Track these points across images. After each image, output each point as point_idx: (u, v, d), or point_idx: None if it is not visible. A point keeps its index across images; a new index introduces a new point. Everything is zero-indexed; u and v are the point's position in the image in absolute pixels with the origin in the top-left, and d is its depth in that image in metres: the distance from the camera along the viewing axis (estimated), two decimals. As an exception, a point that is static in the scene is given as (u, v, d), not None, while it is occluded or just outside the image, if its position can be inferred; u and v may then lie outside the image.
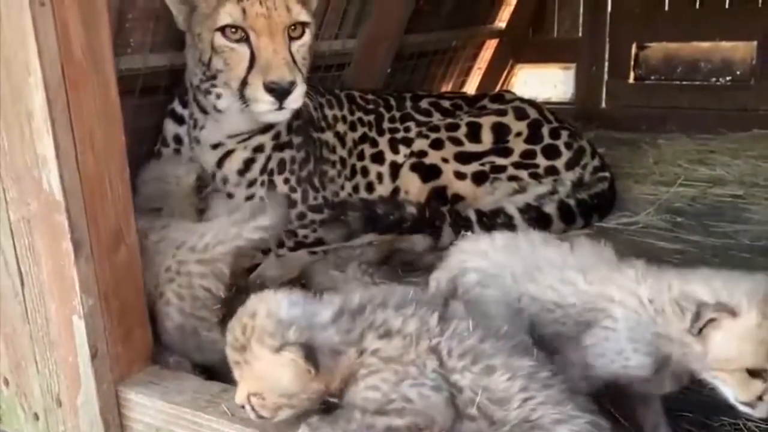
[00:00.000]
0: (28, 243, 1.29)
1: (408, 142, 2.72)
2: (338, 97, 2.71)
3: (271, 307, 1.13)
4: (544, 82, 4.92)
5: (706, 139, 4.01)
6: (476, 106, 2.95)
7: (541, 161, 2.69)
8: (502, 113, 2.79)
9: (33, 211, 1.27)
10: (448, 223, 2.40)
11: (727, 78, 4.37)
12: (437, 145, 2.67)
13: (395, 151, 2.70)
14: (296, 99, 1.99)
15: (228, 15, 1.98)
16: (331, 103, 2.66)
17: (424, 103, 2.87)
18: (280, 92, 1.96)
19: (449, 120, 2.79)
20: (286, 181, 2.32)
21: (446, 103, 2.90)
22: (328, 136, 2.59)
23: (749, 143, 3.86)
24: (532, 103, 2.93)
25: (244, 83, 2.00)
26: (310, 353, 1.08)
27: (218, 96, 2.10)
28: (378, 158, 2.68)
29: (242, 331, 1.11)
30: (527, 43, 4.86)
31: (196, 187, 2.03)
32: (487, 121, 2.75)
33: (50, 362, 1.36)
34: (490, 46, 4.73)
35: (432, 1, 3.64)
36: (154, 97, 2.35)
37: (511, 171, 2.67)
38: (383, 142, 2.71)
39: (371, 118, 2.74)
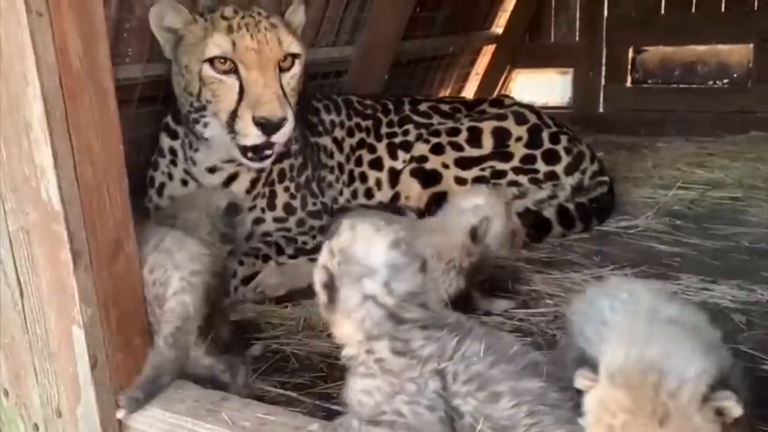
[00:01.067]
0: (27, 253, 1.29)
1: (407, 146, 2.72)
2: (335, 102, 2.72)
3: None
4: (541, 87, 4.94)
5: (705, 142, 4.02)
6: (475, 110, 2.95)
7: (541, 166, 2.70)
8: (503, 118, 2.79)
9: (32, 221, 1.26)
10: (447, 228, 2.39)
11: (724, 80, 4.39)
12: (438, 150, 2.67)
13: (394, 157, 2.70)
14: (285, 134, 1.97)
15: (217, 46, 1.95)
16: (329, 108, 2.66)
17: (422, 107, 2.87)
18: (269, 127, 1.93)
19: (450, 124, 2.79)
20: (286, 189, 2.31)
21: (445, 107, 2.91)
22: (326, 141, 2.59)
23: (747, 145, 3.87)
24: (531, 107, 2.93)
25: (233, 116, 1.97)
26: None
27: (206, 125, 2.06)
28: (376, 164, 2.68)
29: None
30: (524, 48, 4.88)
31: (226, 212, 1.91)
32: (488, 126, 2.75)
33: (50, 373, 1.35)
34: (487, 52, 4.74)
35: (429, 7, 3.66)
36: (153, 106, 2.36)
37: (511, 176, 2.67)
38: (381, 148, 2.71)
39: (369, 123, 2.74)
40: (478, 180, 2.65)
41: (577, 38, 4.75)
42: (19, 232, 1.28)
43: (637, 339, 0.93)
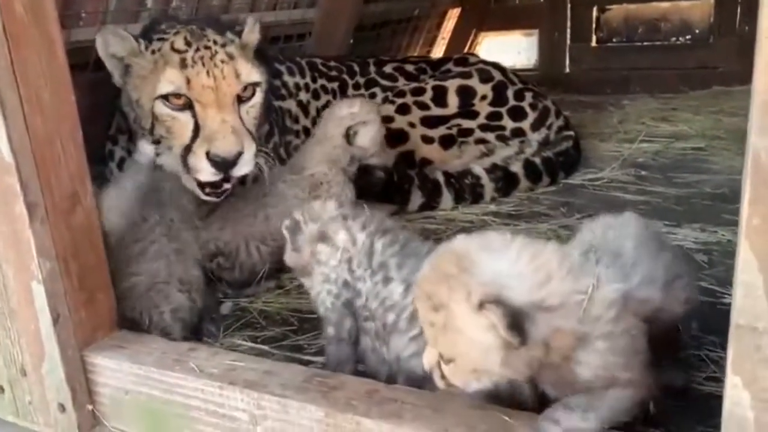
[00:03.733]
0: (-20, 208, 1.26)
1: None
2: (299, 65, 2.68)
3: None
4: (507, 50, 4.94)
5: (669, 98, 4.06)
6: (441, 69, 2.94)
7: (508, 123, 2.70)
8: (467, 76, 2.79)
9: (-17, 174, 1.23)
10: (416, 185, 2.40)
11: (687, 37, 4.43)
12: (403, 110, 2.66)
13: None
14: (243, 166, 1.81)
15: (170, 83, 1.79)
16: (292, 71, 2.62)
17: (388, 68, 2.85)
18: (224, 165, 1.78)
19: (415, 84, 2.77)
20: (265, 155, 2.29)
21: (410, 68, 2.89)
22: (291, 105, 2.56)
23: (710, 99, 3.92)
24: (495, 65, 2.93)
25: (187, 150, 1.81)
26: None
27: (158, 155, 1.92)
28: None
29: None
30: (489, 11, 4.87)
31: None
32: (452, 85, 2.75)
33: (12, 331, 1.33)
34: (453, 15, 4.72)
35: (391, -32, 3.62)
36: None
37: (478, 134, 2.68)
38: None
39: (335, 85, 2.72)
40: (445, 138, 2.65)
41: (541, -1, 4.75)
42: (-30, 186, 1.25)
43: (485, 243, 0.97)
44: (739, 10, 4.18)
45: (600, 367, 0.96)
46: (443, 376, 0.99)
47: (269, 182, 1.94)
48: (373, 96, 2.76)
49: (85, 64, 2.15)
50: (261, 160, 1.89)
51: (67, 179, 1.30)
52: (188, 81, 1.79)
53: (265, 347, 1.58)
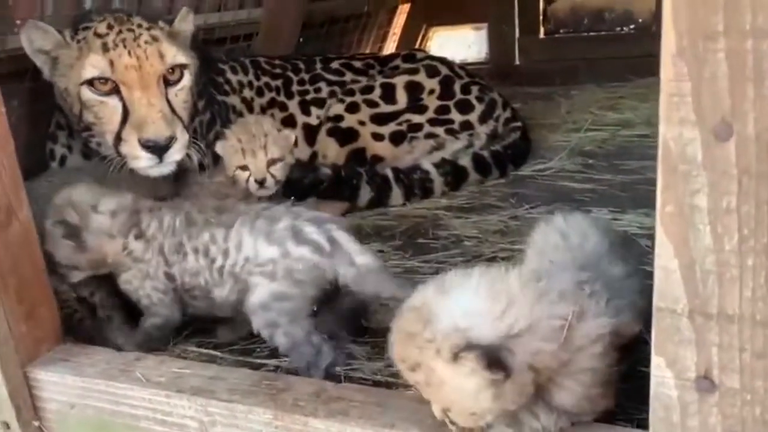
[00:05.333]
0: None
1: (320, 103, 2.71)
2: (242, 63, 2.67)
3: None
4: (458, 44, 4.98)
5: (616, 87, 4.13)
6: (389, 66, 2.95)
7: (456, 116, 2.73)
8: (414, 72, 2.81)
9: None
10: (365, 181, 2.41)
11: (631, 26, 4.53)
12: (353, 108, 2.67)
13: (307, 113, 2.68)
14: (178, 151, 1.83)
15: (93, 67, 1.80)
16: (235, 69, 2.62)
17: (335, 65, 2.85)
18: (157, 149, 1.79)
19: (364, 83, 2.78)
20: (198, 148, 2.27)
21: (358, 64, 2.90)
22: (234, 101, 2.55)
23: (655, 87, 3.86)
24: (442, 60, 2.96)
25: (118, 138, 1.82)
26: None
27: (99, 144, 1.94)
28: (289, 122, 2.65)
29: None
30: (438, 5, 4.89)
31: None
32: (400, 81, 2.76)
33: (-50, 350, 1.30)
34: (403, 11, 4.74)
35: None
36: (47, 78, 2.24)
37: (427, 128, 2.69)
38: (293, 106, 2.69)
39: (279, 82, 2.71)
40: (395, 135, 2.66)
41: (489, -7, 4.79)
42: None
43: (442, 287, 0.97)
44: (679, -1, 4.28)
45: (583, 398, 0.97)
46: (454, 422, 0.98)
47: (183, 182, 1.95)
48: (318, 91, 2.77)
49: (24, 71, 2.10)
50: (192, 150, 1.91)
51: (0, 192, 1.27)
52: (111, 63, 1.80)
53: (216, 353, 1.57)
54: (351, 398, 1.14)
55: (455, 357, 0.88)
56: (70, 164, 2.12)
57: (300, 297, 1.38)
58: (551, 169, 2.74)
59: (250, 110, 2.59)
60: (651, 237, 1.95)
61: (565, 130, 3.32)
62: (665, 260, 0.81)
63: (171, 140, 1.80)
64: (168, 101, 1.86)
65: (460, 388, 0.90)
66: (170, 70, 1.88)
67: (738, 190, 0.76)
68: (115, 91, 1.82)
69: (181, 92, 1.92)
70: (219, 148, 1.96)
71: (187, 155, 1.89)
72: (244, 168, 1.94)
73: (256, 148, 1.92)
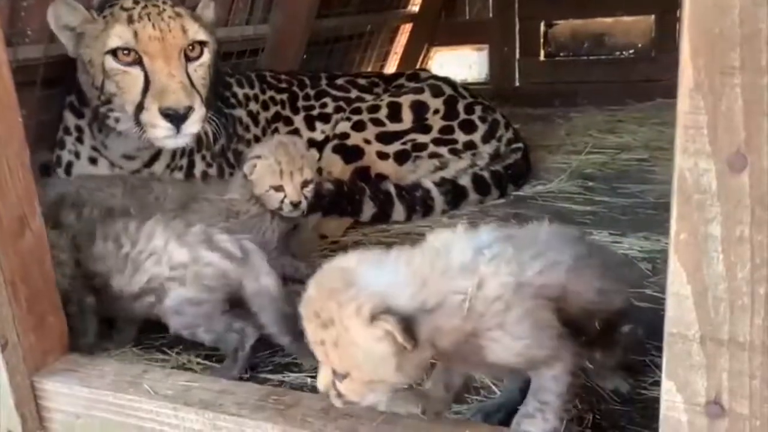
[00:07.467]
0: (-76, 233, 1.23)
1: (325, 118, 2.73)
2: (248, 77, 2.71)
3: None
4: (459, 64, 5.02)
5: (614, 110, 4.20)
6: (393, 84, 2.99)
7: (459, 136, 2.76)
8: (420, 91, 2.84)
9: (-74, 198, 1.21)
10: (368, 195, 2.42)
11: (630, 51, 4.59)
12: (359, 126, 2.70)
13: (311, 128, 2.71)
14: (194, 123, 1.90)
15: (118, 37, 1.88)
16: (241, 83, 2.65)
17: (340, 81, 2.89)
18: (176, 118, 1.86)
19: (370, 101, 2.81)
20: (203, 157, 2.30)
21: (363, 81, 2.93)
22: (241, 113, 2.58)
23: (653, 111, 4.07)
24: (446, 80, 3.00)
25: (139, 108, 1.89)
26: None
27: (117, 120, 1.99)
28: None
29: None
30: (440, 26, 4.95)
31: None
32: (406, 100, 2.80)
33: (-42, 359, 1.30)
34: (405, 31, 4.78)
35: (342, -15, 3.66)
36: (56, 88, 2.25)
37: (431, 148, 2.73)
38: (298, 120, 2.73)
39: (284, 96, 2.74)
40: (399, 154, 2.69)
41: (490, 14, 4.85)
42: None
43: (365, 258, 1.03)
44: (677, 26, 4.35)
45: (511, 354, 1.03)
46: (339, 395, 1.02)
47: (191, 196, 1.98)
48: (323, 106, 2.79)
49: (32, 82, 2.12)
50: (209, 126, 1.98)
51: (14, 201, 1.28)
52: (135, 34, 1.88)
53: (217, 365, 1.57)
54: (359, 415, 1.14)
55: (372, 318, 0.93)
56: (77, 171, 2.13)
57: (212, 301, 1.49)
58: (551, 190, 2.77)
59: (256, 124, 2.61)
60: (651, 260, 1.99)
61: (565, 151, 3.37)
62: (678, 287, 0.83)
63: (189, 110, 1.87)
64: (188, 75, 1.93)
65: (368, 350, 0.95)
66: (191, 47, 1.96)
67: (751, 220, 0.78)
68: (138, 62, 1.89)
69: (201, 68, 1.99)
70: (250, 166, 1.92)
71: (203, 130, 1.95)
72: (278, 189, 1.90)
73: (294, 170, 1.90)
